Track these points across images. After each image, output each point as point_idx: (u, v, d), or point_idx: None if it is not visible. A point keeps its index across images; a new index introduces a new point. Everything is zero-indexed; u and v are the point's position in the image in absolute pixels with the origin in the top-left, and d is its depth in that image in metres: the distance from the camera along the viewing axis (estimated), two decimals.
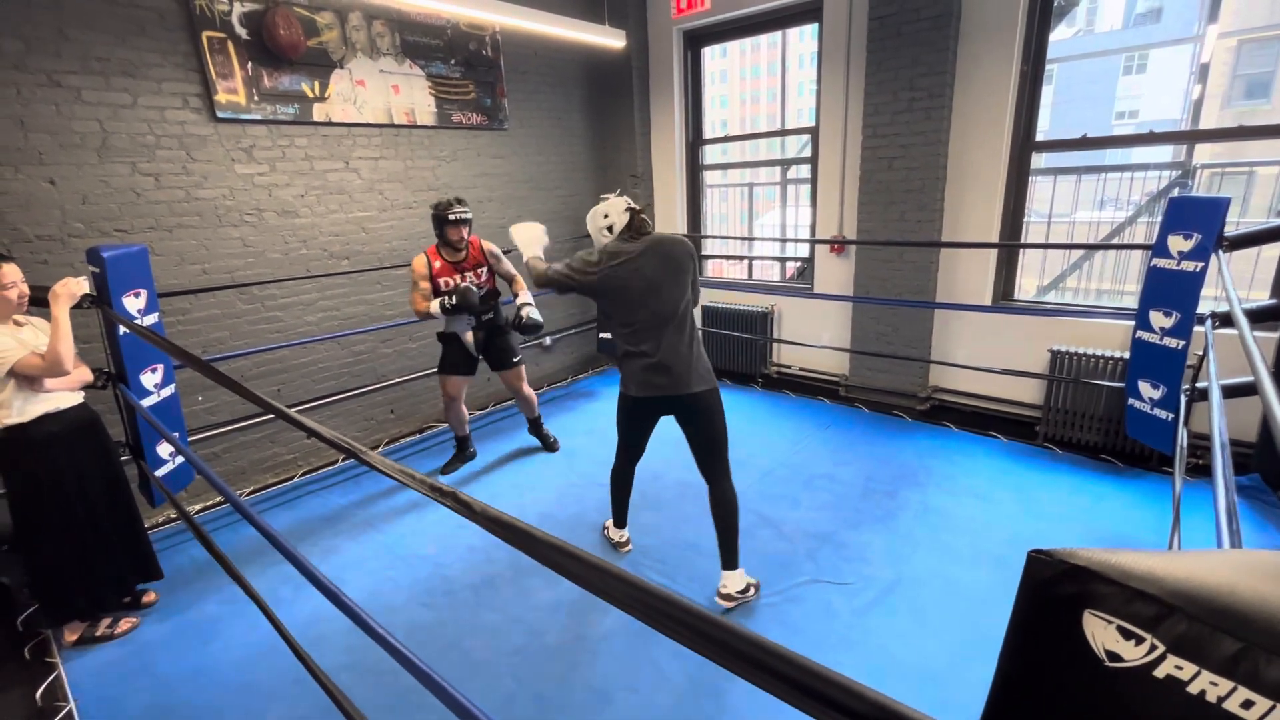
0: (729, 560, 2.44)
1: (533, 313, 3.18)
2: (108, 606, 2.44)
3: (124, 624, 2.44)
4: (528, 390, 3.68)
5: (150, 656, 2.31)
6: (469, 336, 3.39)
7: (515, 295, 3.35)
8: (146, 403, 2.54)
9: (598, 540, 2.93)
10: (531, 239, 2.66)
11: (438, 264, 3.23)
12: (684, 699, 2.02)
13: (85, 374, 2.33)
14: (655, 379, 2.33)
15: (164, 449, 2.72)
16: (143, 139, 2.95)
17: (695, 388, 2.34)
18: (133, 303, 2.47)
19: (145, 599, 2.58)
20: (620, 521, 2.86)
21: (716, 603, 2.43)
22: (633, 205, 2.36)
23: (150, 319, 2.58)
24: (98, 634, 2.38)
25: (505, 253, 3.46)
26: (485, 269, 3.36)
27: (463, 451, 3.73)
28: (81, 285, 2.29)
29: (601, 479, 3.45)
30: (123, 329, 2.41)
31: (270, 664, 2.23)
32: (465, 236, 3.22)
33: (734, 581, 2.43)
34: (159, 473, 2.67)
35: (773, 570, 2.62)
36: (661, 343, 2.31)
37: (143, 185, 2.99)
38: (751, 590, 2.45)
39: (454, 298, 3.14)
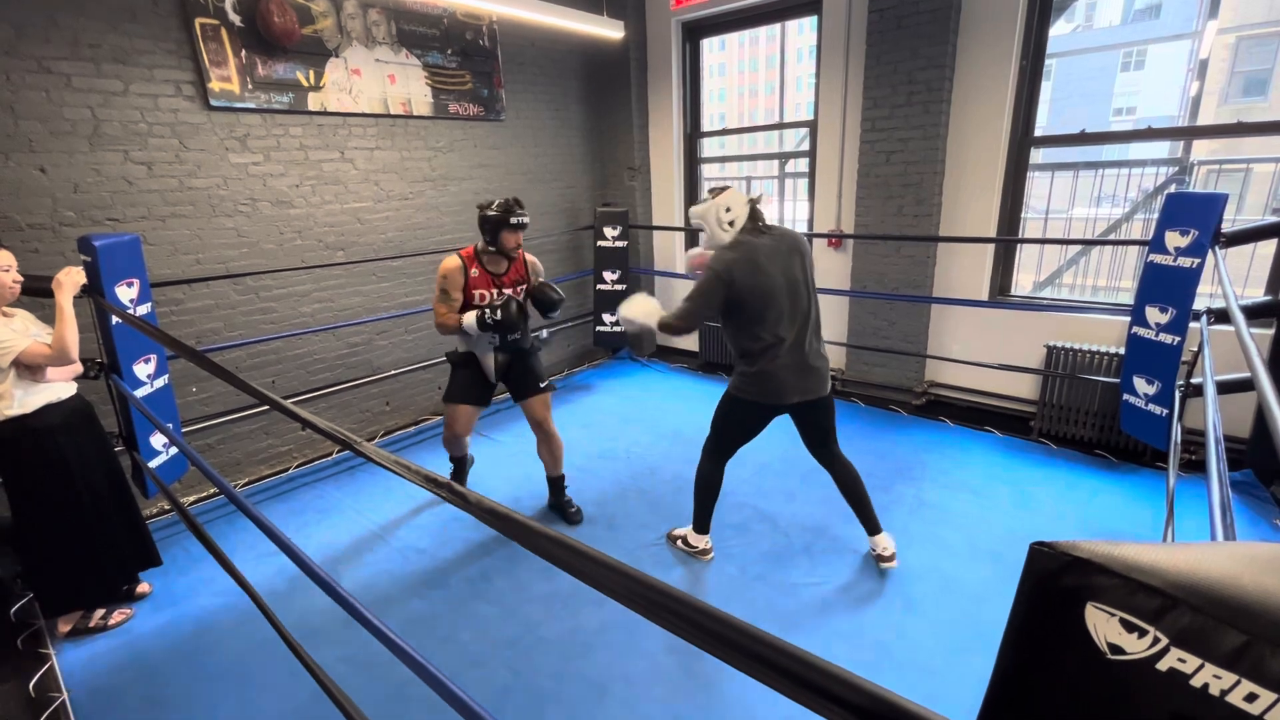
0: (876, 525, 2.49)
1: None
2: (112, 594, 2.43)
3: (117, 615, 2.43)
4: (554, 428, 2.98)
5: (144, 648, 2.31)
6: (489, 360, 2.85)
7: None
8: (139, 393, 2.52)
9: (594, 533, 2.93)
10: (650, 310, 2.35)
11: (475, 272, 2.71)
12: (679, 691, 2.03)
13: (77, 365, 2.31)
14: (802, 383, 2.23)
15: (157, 440, 2.70)
16: (135, 127, 2.92)
17: (829, 387, 2.29)
18: (125, 292, 2.45)
19: (139, 590, 2.57)
20: (705, 526, 2.64)
21: (881, 566, 2.50)
22: (751, 196, 2.22)
23: (143, 309, 2.55)
24: (91, 625, 2.38)
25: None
26: (524, 286, 2.86)
27: (462, 470, 3.28)
28: (83, 274, 2.28)
29: (598, 471, 3.45)
30: (115, 319, 2.39)
31: (264, 656, 2.22)
32: (520, 245, 2.76)
33: (888, 541, 2.49)
34: (152, 464, 2.65)
35: (768, 564, 2.63)
36: (805, 344, 2.21)
37: (135, 174, 2.96)
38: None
39: (497, 312, 2.62)
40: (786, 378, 2.22)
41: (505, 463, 3.67)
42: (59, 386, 2.22)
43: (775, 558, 2.67)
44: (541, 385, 2.93)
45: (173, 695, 2.09)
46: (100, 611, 2.41)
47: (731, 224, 2.19)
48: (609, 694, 2.03)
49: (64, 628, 2.35)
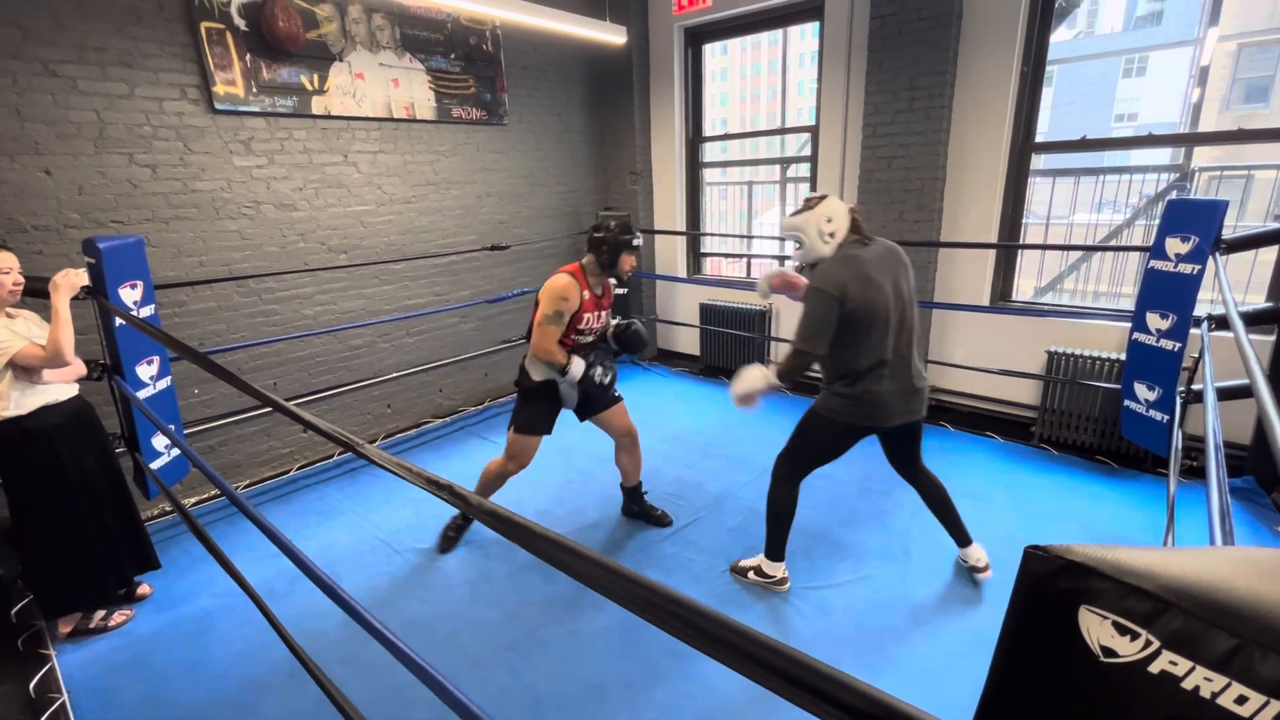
0: (966, 537, 2.44)
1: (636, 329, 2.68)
2: (109, 597, 2.43)
3: (118, 616, 2.44)
4: (635, 432, 2.83)
5: (144, 649, 2.31)
6: (569, 389, 2.66)
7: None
8: (142, 395, 2.53)
9: (595, 537, 2.93)
10: (762, 378, 2.17)
11: (586, 295, 2.51)
12: (680, 695, 2.02)
13: (79, 366, 2.32)
14: (905, 405, 2.12)
15: (159, 441, 2.71)
16: (140, 130, 2.94)
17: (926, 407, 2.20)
18: (129, 294, 2.46)
19: (139, 591, 2.58)
20: (781, 553, 2.46)
21: (975, 577, 2.46)
22: (852, 205, 2.11)
23: (146, 311, 2.57)
24: (91, 626, 2.38)
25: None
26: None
27: (467, 523, 2.94)
28: (82, 276, 2.28)
29: (600, 475, 3.46)
30: (119, 320, 2.40)
31: (265, 657, 2.23)
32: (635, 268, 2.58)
33: (980, 552, 2.45)
34: (154, 465, 2.66)
35: None
36: (911, 363, 2.10)
37: (139, 176, 2.97)
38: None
39: (608, 375, 2.52)
40: (891, 401, 2.09)
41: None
42: (57, 388, 2.23)
43: None
44: (616, 395, 2.78)
45: (173, 696, 2.09)
46: (101, 613, 2.41)
47: (832, 235, 2.04)
48: (609, 697, 2.03)
49: (64, 629, 2.36)
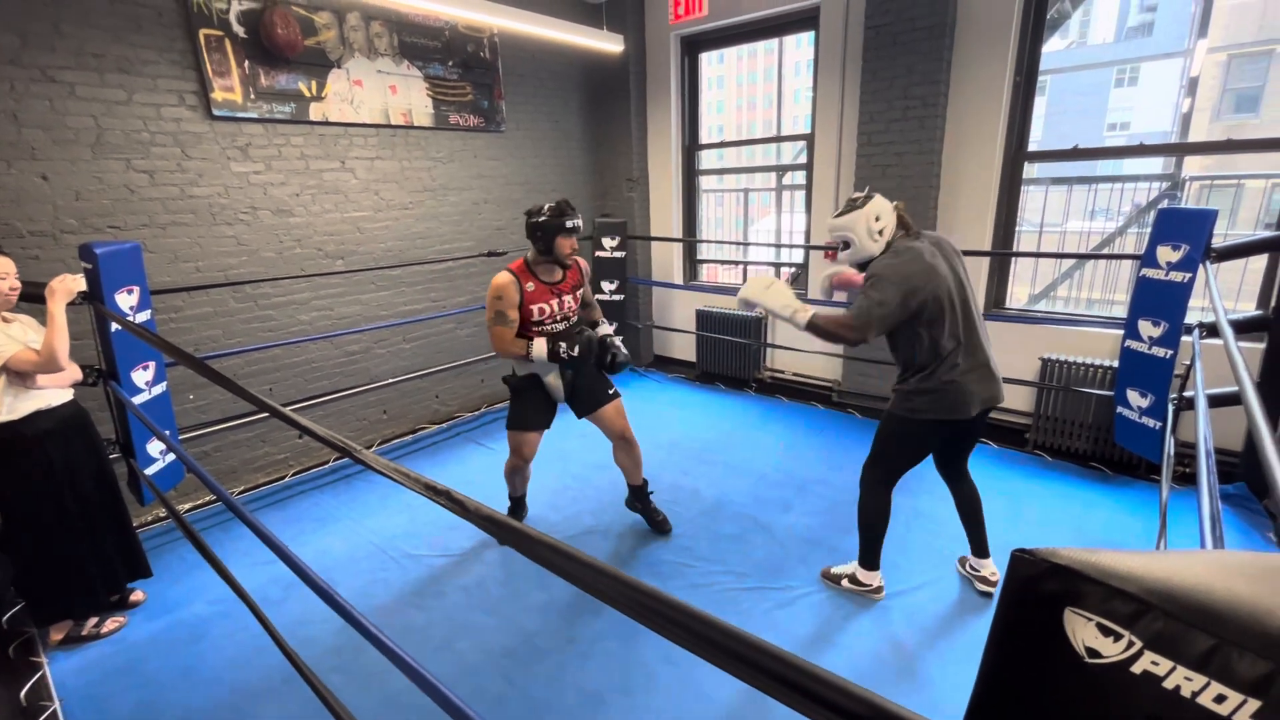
0: (985, 549, 2.48)
1: (621, 345, 2.66)
2: (100, 605, 2.42)
3: (110, 623, 2.42)
4: (632, 435, 2.80)
5: (137, 656, 2.30)
6: (554, 380, 2.69)
7: (594, 324, 2.77)
8: (137, 400, 2.52)
9: (592, 542, 2.93)
10: (784, 297, 2.07)
11: (530, 286, 2.50)
12: (677, 701, 2.02)
13: (75, 372, 2.31)
14: (986, 390, 2.09)
15: (154, 447, 2.70)
16: (137, 136, 2.94)
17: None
18: (125, 299, 2.46)
19: (133, 598, 2.56)
20: (876, 562, 2.42)
21: (978, 588, 2.47)
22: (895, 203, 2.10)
23: (143, 316, 2.56)
24: (84, 633, 2.36)
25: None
26: (581, 290, 2.70)
27: (518, 513, 3.08)
28: (79, 282, 2.28)
29: (596, 481, 3.46)
30: (115, 326, 2.39)
31: (260, 664, 2.21)
32: (576, 250, 2.57)
33: (994, 568, 2.48)
34: (149, 471, 2.65)
35: (765, 574, 2.63)
36: (983, 346, 2.09)
37: (137, 182, 2.97)
38: None
39: (574, 348, 2.47)
40: (971, 386, 2.05)
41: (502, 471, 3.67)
42: (51, 393, 2.22)
43: (771, 568, 2.67)
44: (611, 392, 2.75)
45: (166, 703, 2.08)
46: (93, 620, 2.39)
47: (881, 233, 2.03)
48: (606, 704, 2.02)
49: (56, 636, 2.34)
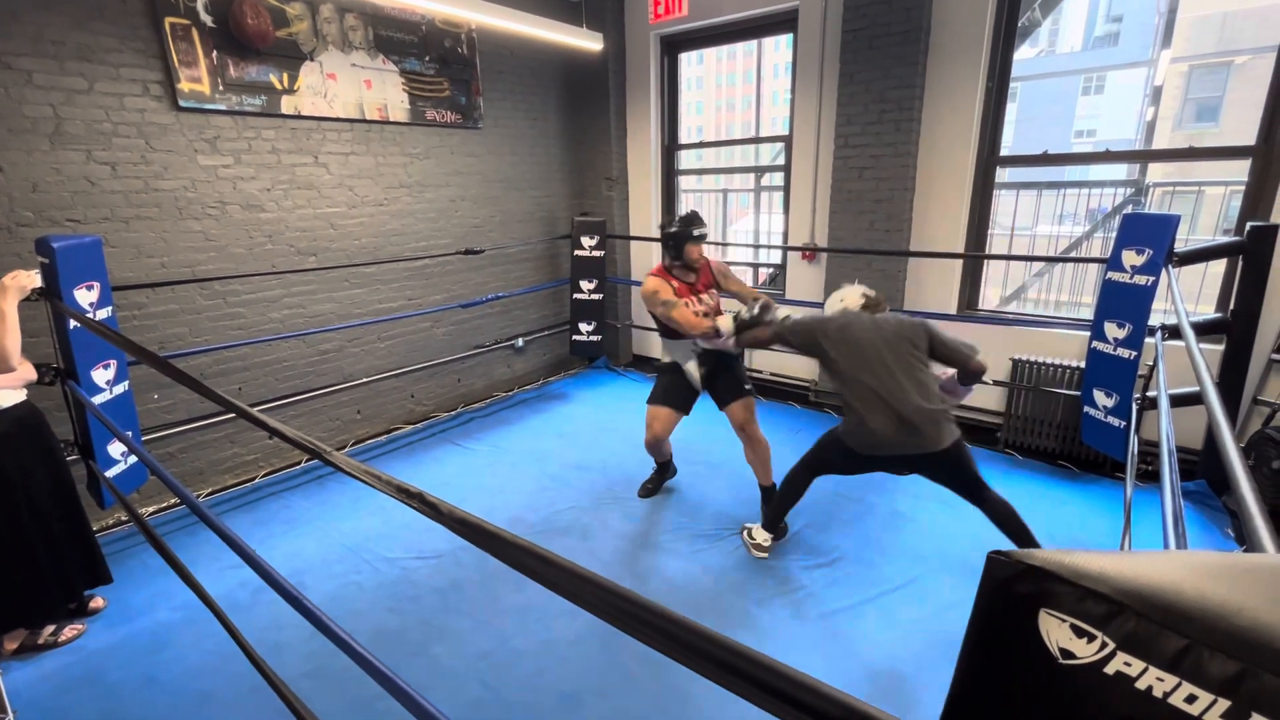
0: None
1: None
2: (56, 614, 2.33)
3: (68, 631, 2.33)
4: (759, 433, 2.96)
5: (98, 665, 2.22)
6: (692, 368, 2.97)
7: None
8: (97, 400, 2.44)
9: (568, 544, 2.91)
10: (725, 320, 2.63)
11: (675, 285, 2.84)
12: (654, 703, 2.02)
13: (28, 371, 2.23)
14: (902, 436, 2.36)
15: (115, 448, 2.61)
16: (99, 126, 2.84)
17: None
18: (85, 296, 2.38)
19: (92, 605, 2.47)
20: (774, 528, 2.76)
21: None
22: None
23: (103, 313, 2.48)
24: (40, 642, 2.27)
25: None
26: (715, 288, 2.98)
27: (663, 472, 3.36)
28: (33, 279, 2.19)
29: (573, 481, 3.44)
30: (73, 323, 2.31)
31: (226, 672, 2.15)
32: (704, 255, 2.90)
33: None
34: (110, 473, 2.56)
35: (743, 573, 2.64)
36: (909, 400, 2.33)
37: (98, 174, 2.87)
38: None
39: (755, 308, 2.67)
40: (880, 432, 2.31)
41: (479, 472, 3.63)
42: (3, 394, 2.13)
43: (750, 568, 2.68)
44: (746, 388, 2.96)
45: (128, 714, 2.01)
46: (50, 628, 2.31)
47: (842, 300, 2.53)
48: (583, 706, 2.01)
49: (10, 645, 2.25)
